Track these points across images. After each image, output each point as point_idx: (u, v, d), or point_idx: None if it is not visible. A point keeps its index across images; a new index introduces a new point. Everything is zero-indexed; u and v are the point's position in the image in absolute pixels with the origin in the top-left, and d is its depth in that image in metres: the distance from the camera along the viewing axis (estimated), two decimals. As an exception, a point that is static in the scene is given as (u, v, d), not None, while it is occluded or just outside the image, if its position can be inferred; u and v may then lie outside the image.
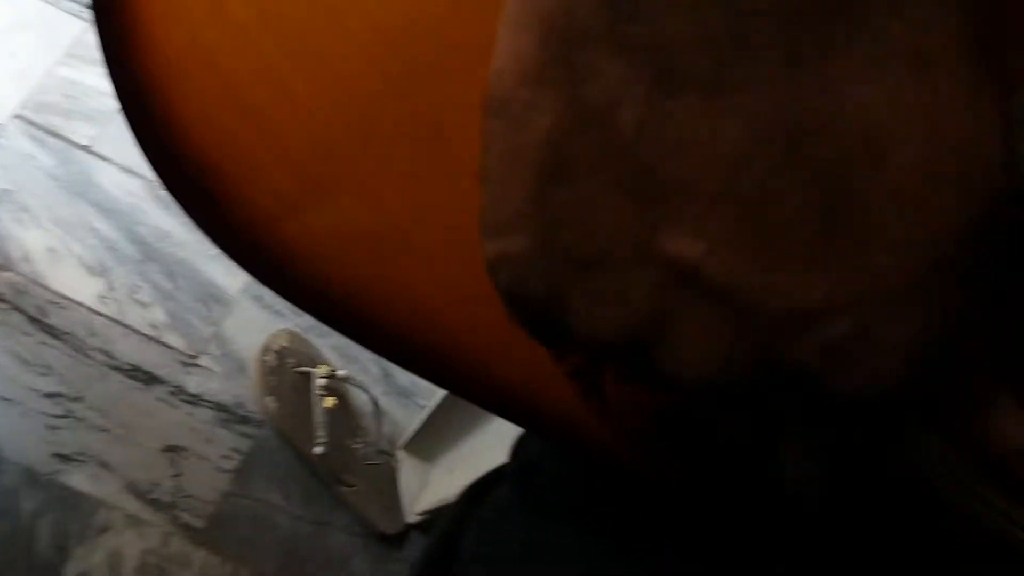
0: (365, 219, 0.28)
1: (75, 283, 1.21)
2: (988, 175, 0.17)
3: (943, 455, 0.20)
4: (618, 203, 0.19)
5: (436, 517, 1.10)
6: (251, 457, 1.17)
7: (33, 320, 1.17)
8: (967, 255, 0.17)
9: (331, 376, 1.15)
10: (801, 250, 0.17)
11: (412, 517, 1.15)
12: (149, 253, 1.24)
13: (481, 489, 0.51)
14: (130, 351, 1.19)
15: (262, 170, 0.28)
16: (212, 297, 1.24)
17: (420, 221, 0.28)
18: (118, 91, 0.29)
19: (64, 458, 1.12)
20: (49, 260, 1.21)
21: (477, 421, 1.02)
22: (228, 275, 1.25)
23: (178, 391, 1.18)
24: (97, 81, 1.32)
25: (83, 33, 1.35)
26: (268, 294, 1.20)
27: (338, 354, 1.24)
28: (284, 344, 1.17)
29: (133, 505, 1.12)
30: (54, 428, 1.13)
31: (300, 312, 0.30)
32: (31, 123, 1.28)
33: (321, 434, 1.12)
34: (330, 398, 1.14)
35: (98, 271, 1.22)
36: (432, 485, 1.16)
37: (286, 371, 1.15)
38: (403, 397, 1.26)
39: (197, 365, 1.20)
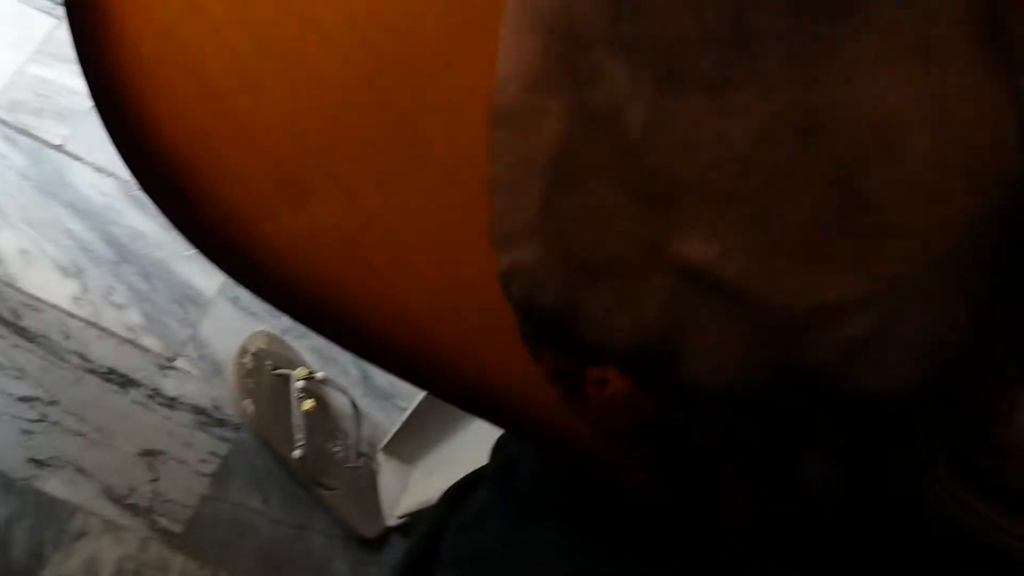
0: (341, 218, 0.28)
1: (49, 285, 1.19)
2: (1001, 161, 0.16)
3: (932, 457, 0.20)
4: (628, 207, 0.19)
5: (416, 520, 1.10)
6: (229, 461, 1.16)
7: (6, 323, 1.16)
8: (983, 243, 0.17)
9: (310, 378, 1.14)
10: (816, 247, 0.17)
11: (392, 520, 1.15)
12: (124, 254, 1.23)
13: (461, 491, 0.51)
14: (106, 354, 1.17)
15: (237, 169, 0.28)
16: (188, 299, 1.23)
17: (396, 220, 0.27)
18: (92, 89, 0.29)
19: (39, 463, 1.10)
20: (22, 262, 1.19)
21: (457, 423, 1.02)
22: (204, 276, 1.24)
23: (155, 394, 1.17)
24: (69, 79, 1.31)
25: (55, 30, 1.33)
26: (245, 295, 1.19)
27: (317, 356, 1.24)
28: (262, 346, 1.16)
29: (110, 510, 1.10)
30: (29, 433, 1.11)
31: (278, 314, 0.30)
32: (2, 122, 1.27)
33: (300, 437, 1.11)
34: (309, 400, 1.13)
35: (72, 272, 1.20)
36: (412, 488, 1.15)
37: (264, 373, 1.15)
38: (383, 399, 1.25)
39: (174, 368, 1.19)
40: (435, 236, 0.27)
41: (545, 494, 0.40)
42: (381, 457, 1.19)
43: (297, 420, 1.12)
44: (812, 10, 0.16)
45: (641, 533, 0.34)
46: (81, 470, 1.11)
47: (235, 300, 1.24)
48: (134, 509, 1.11)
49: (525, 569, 0.39)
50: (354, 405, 1.16)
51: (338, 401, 1.19)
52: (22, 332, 1.16)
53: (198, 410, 1.18)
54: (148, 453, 1.14)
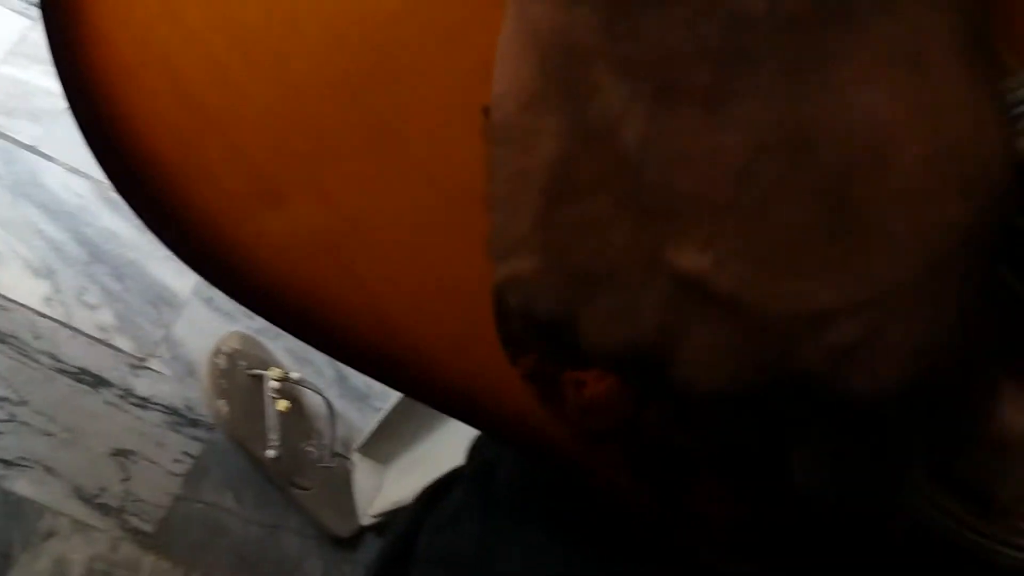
0: (319, 221, 0.28)
1: (20, 285, 1.18)
2: (989, 172, 0.17)
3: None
4: (625, 220, 0.19)
5: (391, 519, 1.10)
6: (202, 461, 1.15)
7: (-25, 323, 1.14)
8: (970, 249, 0.17)
9: (284, 379, 1.14)
10: (808, 256, 0.17)
11: (366, 519, 1.15)
12: (97, 255, 1.22)
13: (438, 491, 0.51)
14: (77, 354, 1.16)
15: (214, 171, 0.28)
16: (162, 299, 1.22)
17: (375, 223, 0.28)
18: (66, 89, 0.29)
19: (7, 463, 1.09)
20: (-8, 261, 1.18)
21: (433, 424, 1.02)
22: (178, 277, 1.23)
23: (127, 394, 1.16)
24: (43, 80, 1.29)
25: (28, 31, 1.32)
26: (219, 296, 1.18)
27: (291, 356, 1.23)
28: (236, 347, 1.16)
29: (80, 510, 1.09)
30: (-3, 433, 1.10)
31: (252, 315, 0.30)
32: (-26, 121, 1.25)
33: (274, 437, 1.10)
34: (283, 401, 1.12)
35: (44, 273, 1.19)
36: (387, 487, 1.15)
37: (238, 374, 1.14)
38: (358, 400, 1.25)
39: (146, 368, 1.18)
40: (414, 239, 0.27)
41: (522, 496, 0.40)
42: (356, 457, 1.18)
43: (271, 420, 1.11)
44: (804, 24, 0.16)
45: (620, 535, 0.34)
46: (50, 470, 1.10)
47: (209, 301, 1.23)
48: (104, 509, 1.10)
49: (501, 570, 0.39)
50: (329, 405, 1.15)
51: (313, 401, 1.19)
52: (-9, 332, 1.14)
53: (171, 410, 1.17)
54: (119, 453, 1.13)
